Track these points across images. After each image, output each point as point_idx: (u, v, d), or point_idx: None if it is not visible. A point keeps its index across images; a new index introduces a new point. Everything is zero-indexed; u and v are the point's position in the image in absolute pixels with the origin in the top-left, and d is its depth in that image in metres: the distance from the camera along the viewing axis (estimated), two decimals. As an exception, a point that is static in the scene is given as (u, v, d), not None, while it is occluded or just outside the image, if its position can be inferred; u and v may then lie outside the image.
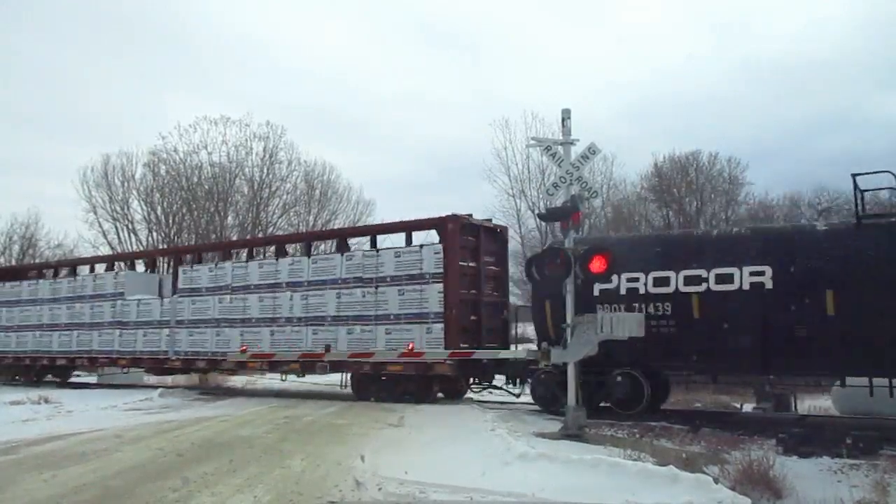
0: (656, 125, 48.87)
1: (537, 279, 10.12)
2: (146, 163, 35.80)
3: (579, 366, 9.48)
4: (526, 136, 31.82)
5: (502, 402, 13.54)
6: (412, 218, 15.56)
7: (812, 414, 12.42)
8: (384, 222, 17.18)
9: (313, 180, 37.43)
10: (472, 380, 13.49)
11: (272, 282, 15.23)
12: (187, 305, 16.52)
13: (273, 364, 15.19)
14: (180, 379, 19.57)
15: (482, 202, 44.68)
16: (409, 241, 13.96)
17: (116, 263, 21.44)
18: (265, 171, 36.07)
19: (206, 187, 35.63)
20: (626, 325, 9.22)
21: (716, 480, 6.14)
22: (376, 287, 13.48)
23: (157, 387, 17.96)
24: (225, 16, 61.81)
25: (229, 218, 36.24)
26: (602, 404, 11.39)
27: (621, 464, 6.69)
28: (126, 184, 36.13)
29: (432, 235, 14.43)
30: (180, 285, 16.95)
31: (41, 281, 20.84)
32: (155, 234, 35.84)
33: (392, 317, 13.19)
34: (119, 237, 36.01)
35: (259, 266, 15.78)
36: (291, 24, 63.31)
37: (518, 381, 12.83)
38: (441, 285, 12.65)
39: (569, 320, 9.30)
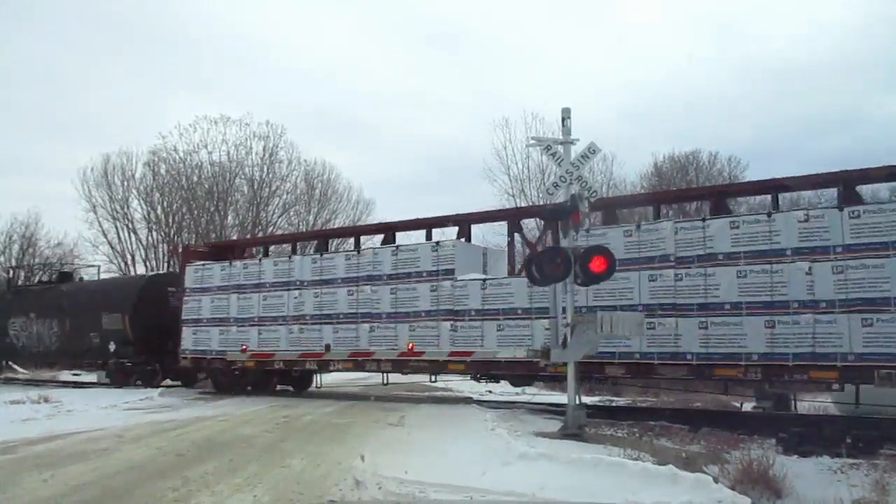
0: (656, 125, 48.85)
1: (537, 278, 10.02)
2: (146, 162, 35.97)
3: (579, 366, 9.42)
4: (526, 136, 31.91)
5: (502, 402, 13.55)
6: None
7: (812, 413, 12.41)
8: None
9: (313, 180, 37.60)
10: None
11: (763, 248, 9.75)
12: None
13: (769, 373, 9.49)
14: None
15: (482, 202, 44.60)
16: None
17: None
18: (265, 170, 36.23)
19: (206, 186, 35.73)
20: (626, 324, 9.22)
21: (716, 480, 6.13)
22: None
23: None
24: (225, 16, 61.74)
25: (229, 217, 36.35)
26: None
27: (621, 463, 6.69)
28: (126, 183, 36.29)
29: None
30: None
31: (297, 257, 15.38)
32: (155, 233, 35.93)
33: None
34: (119, 237, 36.15)
35: (732, 225, 10.09)
36: (291, 24, 63.21)
37: None
38: None
39: (569, 319, 9.31)
